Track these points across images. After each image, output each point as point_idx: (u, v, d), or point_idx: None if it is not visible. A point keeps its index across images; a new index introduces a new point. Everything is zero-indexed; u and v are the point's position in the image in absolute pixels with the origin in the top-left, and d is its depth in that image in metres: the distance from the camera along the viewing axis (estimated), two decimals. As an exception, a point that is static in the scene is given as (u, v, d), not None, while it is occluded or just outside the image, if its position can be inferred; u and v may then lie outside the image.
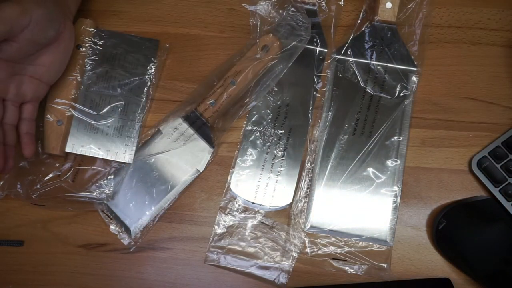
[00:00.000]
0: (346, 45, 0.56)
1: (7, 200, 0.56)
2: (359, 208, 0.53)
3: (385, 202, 0.53)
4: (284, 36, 0.54)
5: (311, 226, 0.53)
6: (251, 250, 0.54)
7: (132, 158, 0.55)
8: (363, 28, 0.55)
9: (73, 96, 0.55)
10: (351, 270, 0.53)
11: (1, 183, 0.55)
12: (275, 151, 0.55)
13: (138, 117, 0.56)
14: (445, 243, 0.52)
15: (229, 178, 0.55)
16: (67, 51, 0.52)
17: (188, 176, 0.55)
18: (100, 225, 0.56)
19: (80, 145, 0.55)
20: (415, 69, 0.55)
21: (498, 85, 0.55)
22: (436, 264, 0.53)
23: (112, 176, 0.55)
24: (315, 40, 0.56)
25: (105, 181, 0.54)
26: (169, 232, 0.55)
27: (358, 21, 0.56)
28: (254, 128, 0.55)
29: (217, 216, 0.55)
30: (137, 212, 0.54)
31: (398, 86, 0.55)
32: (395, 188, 0.53)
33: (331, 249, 0.53)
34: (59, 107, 0.54)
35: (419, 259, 0.53)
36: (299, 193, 0.54)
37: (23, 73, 0.50)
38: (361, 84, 0.55)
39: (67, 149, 0.55)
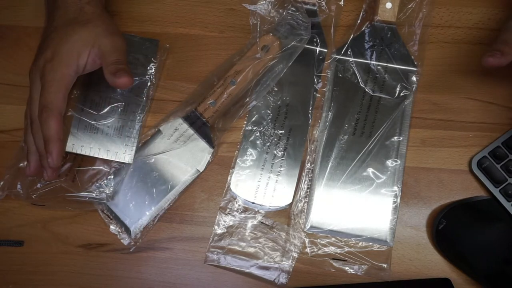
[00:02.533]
0: (346, 45, 0.56)
1: (7, 200, 0.56)
2: (359, 208, 0.53)
3: (385, 202, 0.53)
4: (284, 35, 0.54)
5: (311, 226, 0.53)
6: (251, 250, 0.54)
7: (132, 158, 0.55)
8: (363, 28, 0.55)
9: (73, 96, 0.55)
10: (351, 270, 0.53)
11: (1, 183, 0.55)
12: (275, 151, 0.55)
13: (138, 117, 0.56)
14: (445, 243, 0.52)
15: (229, 178, 0.55)
16: None
17: (188, 176, 0.55)
18: (100, 225, 0.56)
19: (80, 145, 0.55)
20: (415, 69, 0.55)
21: (498, 85, 0.55)
22: (436, 264, 0.53)
23: (112, 176, 0.55)
24: (315, 40, 0.56)
25: (105, 181, 0.54)
26: (169, 232, 0.55)
27: (358, 21, 0.56)
28: (254, 128, 0.55)
29: (217, 216, 0.55)
30: (137, 212, 0.54)
31: (398, 86, 0.55)
32: (395, 188, 0.53)
33: (331, 249, 0.53)
34: (59, 107, 0.54)
35: (419, 259, 0.53)
36: (299, 193, 0.54)
37: None
38: (361, 84, 0.55)
39: (67, 149, 0.54)
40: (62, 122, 0.46)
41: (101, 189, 0.54)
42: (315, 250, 0.53)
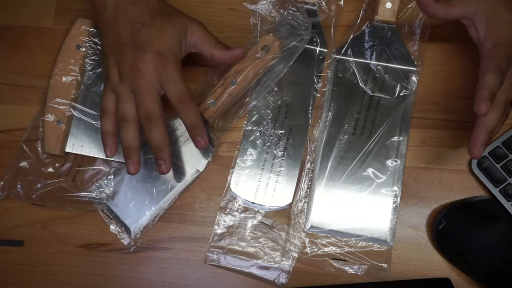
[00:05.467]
0: (346, 45, 0.56)
1: (7, 200, 0.56)
2: (359, 208, 0.53)
3: (385, 202, 0.53)
4: (284, 35, 0.54)
5: (311, 226, 0.53)
6: (251, 250, 0.54)
7: (132, 158, 0.55)
8: (363, 28, 0.55)
9: (73, 96, 0.55)
10: (351, 270, 0.53)
11: (1, 183, 0.55)
12: (275, 151, 0.55)
13: (138, 117, 0.56)
14: (445, 243, 0.52)
15: (229, 178, 0.55)
16: None
17: (188, 176, 0.55)
18: (100, 225, 0.56)
19: (80, 145, 0.55)
20: (415, 69, 0.55)
21: (498, 85, 0.55)
22: (436, 264, 0.53)
23: (112, 176, 0.55)
24: (315, 40, 0.56)
25: (105, 181, 0.54)
26: (169, 232, 0.55)
27: (358, 21, 0.56)
28: (254, 128, 0.55)
29: (217, 216, 0.55)
30: (137, 212, 0.54)
31: (398, 86, 0.55)
32: (395, 188, 0.53)
33: (331, 249, 0.53)
34: (59, 107, 0.54)
35: (419, 259, 0.53)
36: (299, 193, 0.54)
37: None
38: (361, 84, 0.55)
39: (67, 149, 0.55)
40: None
41: (101, 189, 0.54)
42: (315, 250, 0.53)
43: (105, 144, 0.50)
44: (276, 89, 0.56)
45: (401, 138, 0.54)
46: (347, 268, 0.53)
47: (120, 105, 0.48)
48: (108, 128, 0.49)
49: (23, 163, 0.55)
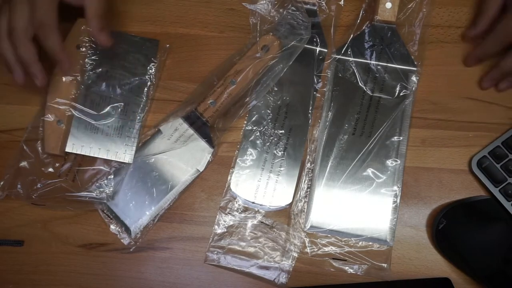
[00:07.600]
0: (346, 45, 0.56)
1: (7, 200, 0.56)
2: (359, 208, 0.53)
3: (385, 202, 0.53)
4: (284, 35, 0.54)
5: (311, 226, 0.53)
6: (251, 250, 0.54)
7: (132, 158, 0.55)
8: (363, 28, 0.55)
9: (73, 96, 0.55)
10: (351, 270, 0.53)
11: (1, 183, 0.55)
12: (275, 151, 0.55)
13: (138, 117, 0.56)
14: (445, 243, 0.52)
15: (229, 178, 0.55)
16: None
17: (188, 176, 0.55)
18: (100, 225, 0.56)
19: (80, 145, 0.55)
20: (415, 69, 0.55)
21: (498, 85, 0.55)
22: (436, 264, 0.53)
23: (112, 176, 0.55)
24: (315, 40, 0.56)
25: (105, 181, 0.54)
26: (169, 232, 0.55)
27: (358, 21, 0.56)
28: (254, 128, 0.55)
29: (217, 216, 0.55)
30: (137, 212, 0.54)
31: (398, 86, 0.55)
32: (395, 188, 0.53)
33: (331, 249, 0.53)
34: (59, 107, 0.54)
35: (419, 259, 0.53)
36: (299, 193, 0.54)
37: None
38: (361, 84, 0.55)
39: (67, 149, 0.55)
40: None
41: (101, 189, 0.54)
42: (315, 250, 0.53)
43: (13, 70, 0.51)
44: (276, 89, 0.56)
45: (401, 138, 0.54)
46: (347, 268, 0.53)
47: (11, 16, 0.50)
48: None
49: (23, 163, 0.55)
